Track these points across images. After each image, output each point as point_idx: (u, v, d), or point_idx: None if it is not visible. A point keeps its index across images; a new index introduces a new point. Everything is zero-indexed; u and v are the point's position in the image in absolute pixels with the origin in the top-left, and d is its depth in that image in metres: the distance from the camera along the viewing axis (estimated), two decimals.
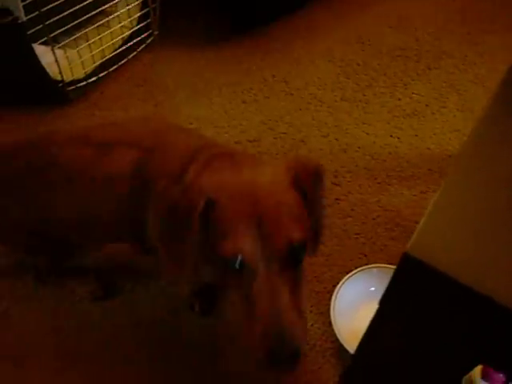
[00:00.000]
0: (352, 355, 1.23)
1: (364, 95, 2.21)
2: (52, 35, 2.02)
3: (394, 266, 1.42)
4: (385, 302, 0.90)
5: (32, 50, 1.97)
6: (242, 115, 2.15)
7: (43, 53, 2.06)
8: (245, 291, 0.95)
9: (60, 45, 2.10)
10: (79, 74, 2.21)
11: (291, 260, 0.94)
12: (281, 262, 0.92)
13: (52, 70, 2.10)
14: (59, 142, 1.29)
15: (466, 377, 0.89)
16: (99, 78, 2.27)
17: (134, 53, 2.36)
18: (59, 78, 2.14)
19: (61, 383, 1.51)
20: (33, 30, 1.97)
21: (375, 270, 1.62)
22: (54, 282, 1.67)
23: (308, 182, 1.00)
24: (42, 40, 2.04)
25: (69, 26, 2.07)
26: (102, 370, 1.51)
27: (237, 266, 0.93)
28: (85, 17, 2.10)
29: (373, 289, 1.61)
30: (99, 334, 1.58)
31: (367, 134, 2.07)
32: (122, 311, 1.62)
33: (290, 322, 0.91)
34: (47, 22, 1.96)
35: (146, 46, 2.40)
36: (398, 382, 1.04)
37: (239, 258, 0.92)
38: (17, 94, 2.19)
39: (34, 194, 1.31)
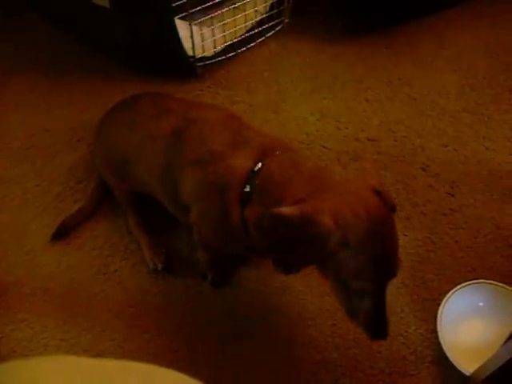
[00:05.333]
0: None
1: (487, 110, 2.18)
2: (192, 11, 2.08)
3: (506, 286, 1.44)
4: None
5: (173, 22, 2.05)
6: (363, 113, 2.16)
7: (180, 27, 2.13)
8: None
9: (197, 21, 2.15)
10: (209, 51, 2.28)
11: None
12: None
13: (185, 45, 2.17)
14: (144, 100, 1.71)
15: None
16: (227, 58, 2.33)
17: (263, 38, 2.41)
18: (191, 53, 2.21)
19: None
20: (176, 4, 2.03)
21: (487, 285, 1.62)
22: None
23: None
24: (182, 15, 2.10)
25: (209, 3, 2.12)
26: None
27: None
28: None
29: (481, 304, 1.61)
30: None
31: (487, 148, 2.04)
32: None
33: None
34: None
35: (274, 33, 2.44)
36: None
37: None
38: (153, 63, 2.31)
39: (119, 131, 1.70)
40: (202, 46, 2.23)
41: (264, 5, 2.37)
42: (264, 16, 2.40)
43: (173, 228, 1.81)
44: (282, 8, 2.40)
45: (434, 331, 1.55)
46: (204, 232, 1.47)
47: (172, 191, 1.49)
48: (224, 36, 2.29)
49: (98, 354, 1.59)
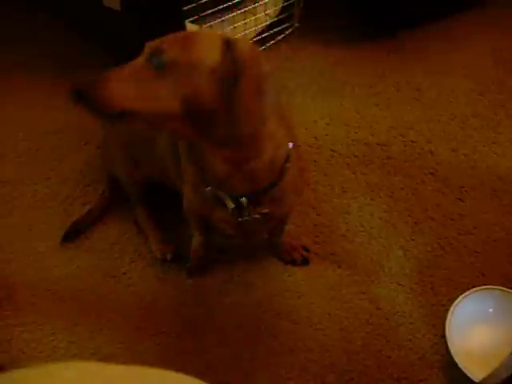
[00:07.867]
0: None
1: (496, 114, 2.17)
2: (202, 15, 2.09)
3: None
4: None
5: (184, 26, 2.06)
6: (373, 118, 2.16)
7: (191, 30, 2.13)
8: None
9: (207, 25, 2.16)
10: None
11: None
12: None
13: None
14: None
15: None
16: None
17: (272, 41, 2.42)
18: None
19: None
20: (186, 7, 2.04)
21: (496, 291, 1.60)
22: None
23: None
24: (192, 18, 2.11)
25: (219, 7, 2.13)
26: None
27: None
28: (235, 0, 2.19)
29: (491, 310, 1.60)
30: None
31: (496, 153, 2.04)
32: None
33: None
34: (201, 1, 2.06)
35: (284, 37, 2.45)
36: None
37: None
38: None
39: None
40: None
41: (274, 8, 2.38)
42: (274, 20, 2.40)
43: (183, 224, 1.78)
44: (292, 12, 2.41)
45: (443, 337, 1.53)
46: None
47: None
48: None
49: (107, 357, 1.59)
